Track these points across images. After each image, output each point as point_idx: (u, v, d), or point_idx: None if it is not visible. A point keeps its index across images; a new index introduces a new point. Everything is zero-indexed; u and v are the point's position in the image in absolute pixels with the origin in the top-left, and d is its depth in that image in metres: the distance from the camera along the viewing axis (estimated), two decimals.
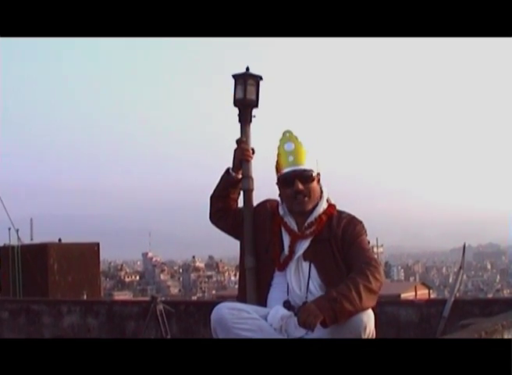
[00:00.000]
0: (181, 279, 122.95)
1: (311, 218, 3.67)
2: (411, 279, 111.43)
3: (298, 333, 3.39)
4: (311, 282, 3.58)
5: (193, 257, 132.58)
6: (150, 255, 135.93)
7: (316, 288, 3.57)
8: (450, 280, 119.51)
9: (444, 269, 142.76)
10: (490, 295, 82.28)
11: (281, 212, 3.74)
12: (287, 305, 3.56)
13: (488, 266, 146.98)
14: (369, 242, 3.72)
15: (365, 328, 3.34)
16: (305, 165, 3.65)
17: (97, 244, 12.83)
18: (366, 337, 3.35)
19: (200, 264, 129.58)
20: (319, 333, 3.30)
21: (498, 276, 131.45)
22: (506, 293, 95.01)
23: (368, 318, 3.37)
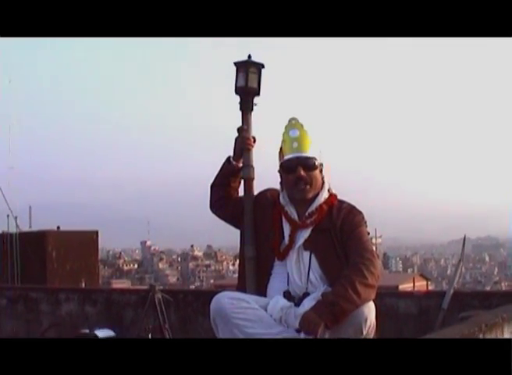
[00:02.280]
0: (179, 268, 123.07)
1: (312, 207, 3.64)
2: (409, 270, 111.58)
3: (298, 324, 3.35)
4: (311, 272, 3.56)
5: (192, 246, 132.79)
6: (148, 243, 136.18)
7: (316, 278, 3.55)
8: (448, 272, 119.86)
9: (442, 261, 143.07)
10: (488, 288, 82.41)
11: (282, 200, 3.70)
12: (287, 295, 3.54)
13: (487, 259, 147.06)
14: (369, 233, 3.69)
15: (366, 320, 3.33)
16: (309, 152, 3.63)
17: (96, 233, 12.80)
18: (367, 329, 3.35)
19: (198, 253, 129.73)
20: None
21: (496, 269, 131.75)
22: (503, 285, 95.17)
23: (369, 310, 3.36)
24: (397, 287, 28.97)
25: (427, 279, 48.12)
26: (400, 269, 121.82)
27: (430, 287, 44.38)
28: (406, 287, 34.39)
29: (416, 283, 39.72)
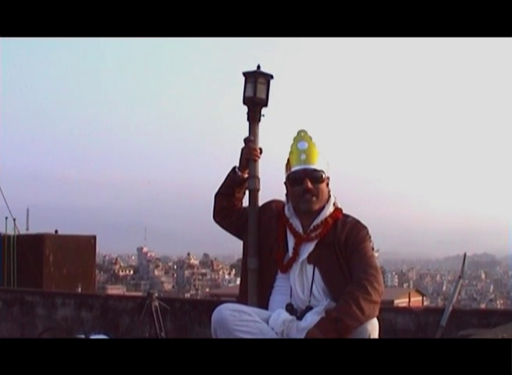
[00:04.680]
0: (175, 275, 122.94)
1: (317, 220, 3.62)
2: (405, 285, 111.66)
3: (300, 337, 3.32)
4: (314, 286, 3.54)
5: (188, 254, 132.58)
6: (145, 250, 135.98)
7: (319, 292, 3.53)
8: (444, 288, 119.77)
9: (438, 277, 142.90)
10: (483, 305, 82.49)
11: (287, 212, 3.69)
12: (290, 308, 3.52)
13: (483, 276, 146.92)
14: (373, 248, 3.67)
15: (369, 337, 3.31)
16: (316, 165, 3.62)
17: (94, 237, 12.77)
18: None
19: (194, 261, 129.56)
20: None
21: (492, 287, 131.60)
22: (499, 303, 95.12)
23: (373, 327, 3.35)
24: (392, 301, 29.01)
25: (422, 294, 48.04)
26: (396, 284, 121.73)
27: (425, 303, 44.38)
28: (401, 302, 34.38)
29: (411, 299, 39.65)
